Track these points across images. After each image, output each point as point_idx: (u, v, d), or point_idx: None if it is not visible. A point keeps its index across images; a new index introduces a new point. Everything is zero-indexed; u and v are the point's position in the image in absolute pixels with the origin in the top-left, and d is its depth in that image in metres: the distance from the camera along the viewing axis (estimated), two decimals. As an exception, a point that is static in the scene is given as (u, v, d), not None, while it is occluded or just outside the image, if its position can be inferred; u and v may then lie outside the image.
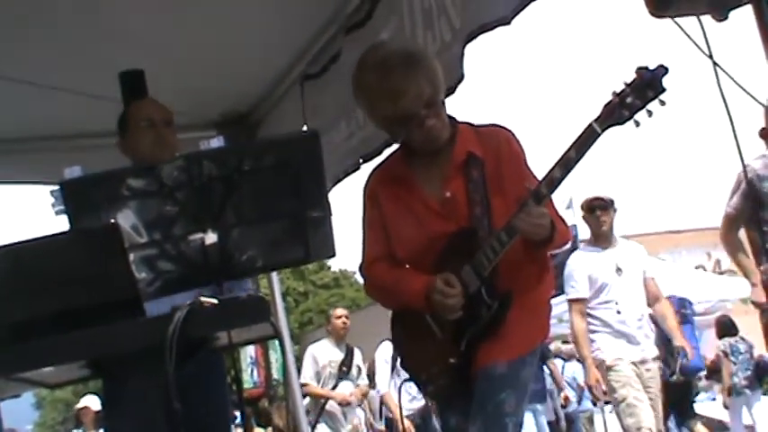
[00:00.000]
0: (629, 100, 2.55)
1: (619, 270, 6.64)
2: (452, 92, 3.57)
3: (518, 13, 3.19)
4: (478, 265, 2.91)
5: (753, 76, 2.44)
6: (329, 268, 47.72)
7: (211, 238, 2.38)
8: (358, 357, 10.24)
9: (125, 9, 4.11)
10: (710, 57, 2.35)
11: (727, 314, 14.30)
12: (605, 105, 2.59)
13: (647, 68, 2.53)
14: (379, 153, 4.48)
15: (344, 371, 9.81)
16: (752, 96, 2.29)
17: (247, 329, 2.49)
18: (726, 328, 12.59)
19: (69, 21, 4.07)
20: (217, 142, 2.55)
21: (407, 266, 3.11)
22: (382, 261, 3.14)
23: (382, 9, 4.13)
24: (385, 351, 9.63)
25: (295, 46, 4.82)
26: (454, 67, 3.55)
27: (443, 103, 3.01)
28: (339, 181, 4.83)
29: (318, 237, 2.50)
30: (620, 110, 2.57)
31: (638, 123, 2.57)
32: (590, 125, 2.62)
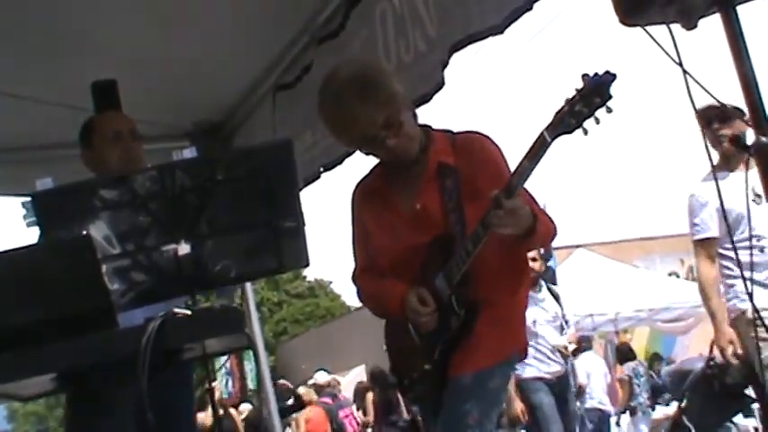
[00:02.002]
0: (577, 108, 2.49)
1: (758, 197, 4.78)
2: (428, 99, 3.59)
3: (511, 22, 3.19)
4: (449, 273, 2.93)
5: (721, 83, 2.47)
6: (304, 278, 47.62)
7: (184, 248, 2.37)
8: None
9: (97, 19, 4.09)
10: (680, 64, 2.37)
11: (627, 342, 15.32)
12: (556, 113, 2.54)
13: (593, 75, 2.46)
14: (340, 162, 4.52)
15: None
16: (720, 103, 2.31)
17: (222, 340, 2.49)
18: (626, 353, 13.59)
19: (39, 30, 4.04)
20: (189, 153, 2.55)
21: (391, 277, 3.11)
22: (366, 272, 3.22)
23: (354, 20, 4.14)
24: None
25: (268, 56, 4.82)
26: (431, 75, 3.58)
27: (414, 115, 3.02)
28: (300, 190, 4.83)
29: (292, 246, 2.50)
30: (568, 118, 2.51)
31: (586, 131, 2.51)
32: (541, 134, 2.59)
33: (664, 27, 2.31)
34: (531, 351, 6.75)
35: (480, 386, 2.97)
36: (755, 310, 4.07)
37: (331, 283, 50.64)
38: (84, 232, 2.31)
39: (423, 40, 3.66)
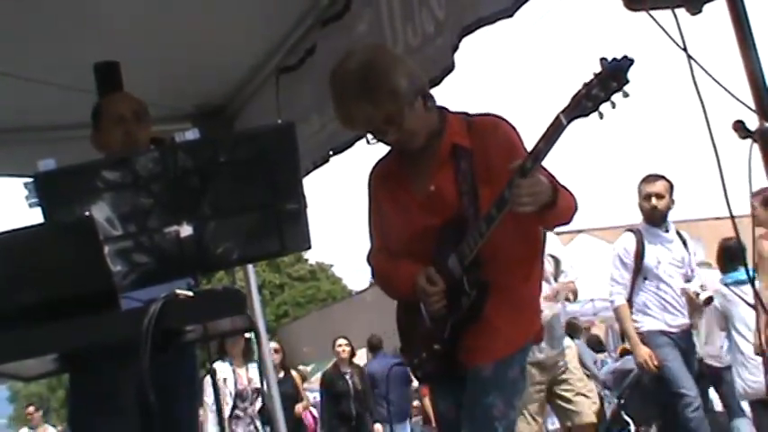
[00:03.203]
0: (594, 92, 2.50)
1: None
2: (438, 82, 3.57)
3: (520, 5, 3.16)
4: (461, 254, 2.94)
5: (726, 68, 2.46)
6: (306, 261, 47.72)
7: (187, 230, 2.37)
8: None
9: (101, 1, 4.08)
10: (685, 49, 2.36)
11: (596, 335, 15.47)
12: (573, 97, 2.56)
13: (611, 59, 2.47)
14: (350, 145, 4.49)
15: None
16: (725, 89, 2.31)
17: (223, 322, 2.49)
18: (593, 346, 13.66)
19: (43, 11, 4.03)
20: (192, 134, 2.54)
21: (405, 258, 3.12)
22: (381, 252, 3.24)
23: (359, 2, 4.12)
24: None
25: (271, 38, 4.80)
26: (441, 58, 3.55)
27: (426, 100, 3.00)
28: (309, 173, 4.83)
29: (294, 229, 2.50)
30: (585, 102, 2.53)
31: (601, 115, 2.53)
32: (557, 117, 2.60)
33: (669, 12, 2.31)
34: (650, 297, 6.59)
35: (501, 377, 3.00)
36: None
37: (332, 266, 50.80)
38: (87, 213, 2.31)
39: (430, 22, 3.63)
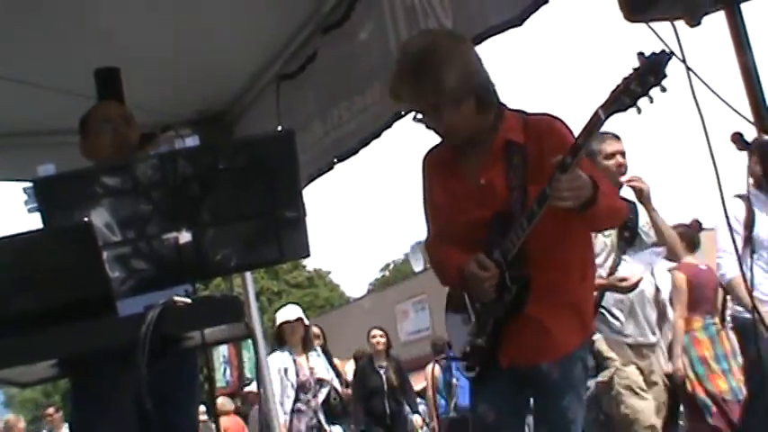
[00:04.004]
0: (632, 86, 2.50)
1: None
2: None
3: (529, 15, 3.20)
4: (505, 249, 2.94)
5: (725, 80, 2.47)
6: (304, 267, 47.64)
7: (185, 237, 2.37)
8: None
9: (102, 6, 4.09)
10: (684, 61, 2.37)
11: None
12: (612, 91, 2.56)
13: (649, 54, 2.47)
14: (355, 153, 4.49)
15: None
16: (724, 101, 2.31)
17: (221, 329, 2.49)
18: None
19: (44, 17, 4.04)
20: (192, 141, 2.55)
21: (456, 246, 3.12)
22: (435, 239, 3.24)
23: (360, 9, 4.13)
24: None
25: (272, 45, 4.81)
26: None
27: (481, 100, 2.98)
28: (312, 180, 4.83)
29: (293, 237, 2.50)
30: (623, 97, 2.53)
31: (639, 110, 2.53)
32: (596, 112, 2.61)
33: (668, 24, 2.31)
34: (760, 273, 5.32)
35: (569, 377, 3.03)
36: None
37: (330, 273, 50.74)
38: (86, 219, 2.31)
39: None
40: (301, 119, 4.72)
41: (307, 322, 8.50)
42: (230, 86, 5.32)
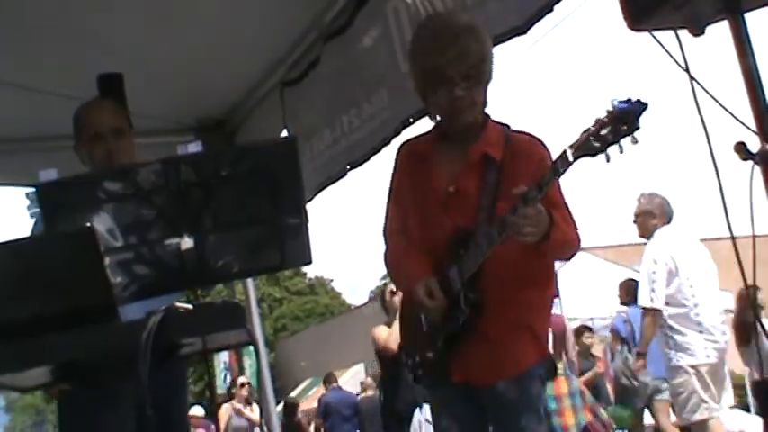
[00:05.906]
0: (603, 132, 2.41)
1: None
2: None
3: (533, 23, 3.21)
4: (462, 267, 2.92)
5: (729, 90, 2.46)
6: (305, 275, 47.69)
7: (187, 243, 2.37)
8: None
9: (103, 12, 4.09)
10: (687, 70, 2.36)
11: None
12: (583, 132, 2.48)
13: (624, 101, 2.38)
14: (367, 159, 4.48)
15: None
16: (727, 111, 2.31)
17: (222, 335, 2.49)
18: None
19: (46, 22, 4.05)
20: (194, 147, 2.54)
21: (419, 247, 3.08)
22: (398, 234, 3.18)
23: (363, 16, 4.13)
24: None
25: (274, 52, 4.82)
26: None
27: (486, 84, 2.99)
28: (324, 188, 4.81)
29: (295, 244, 2.50)
30: (593, 141, 2.44)
31: (608, 158, 2.44)
32: (564, 152, 2.54)
33: (671, 33, 2.31)
34: None
35: (526, 395, 2.98)
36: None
37: (332, 281, 50.80)
38: (88, 224, 2.30)
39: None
40: (309, 126, 4.72)
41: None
42: (231, 94, 5.33)
